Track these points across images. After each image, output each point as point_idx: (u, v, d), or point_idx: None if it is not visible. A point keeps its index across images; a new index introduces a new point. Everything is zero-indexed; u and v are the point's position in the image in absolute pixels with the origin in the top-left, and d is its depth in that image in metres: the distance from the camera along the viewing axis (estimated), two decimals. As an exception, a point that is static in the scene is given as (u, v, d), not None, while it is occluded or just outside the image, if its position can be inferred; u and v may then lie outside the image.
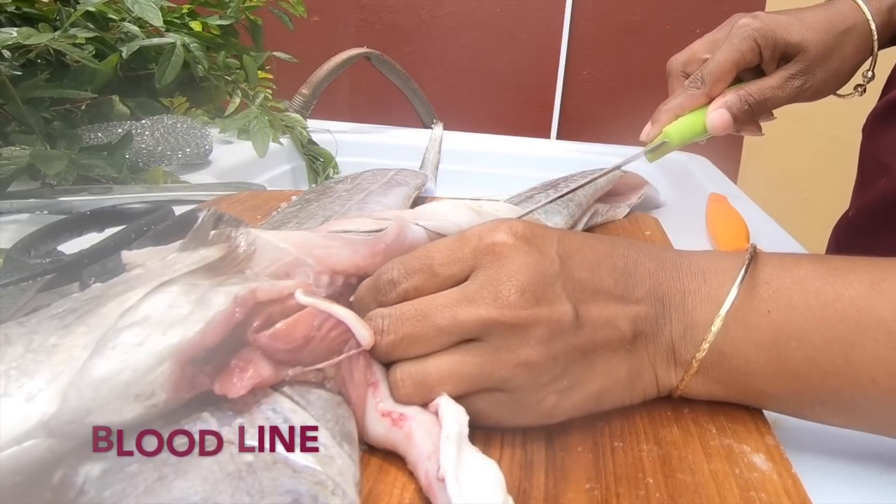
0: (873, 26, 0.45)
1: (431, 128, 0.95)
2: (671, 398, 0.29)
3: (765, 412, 0.29)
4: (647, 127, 0.47)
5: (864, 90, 0.49)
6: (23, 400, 0.18)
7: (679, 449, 0.26)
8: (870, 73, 0.48)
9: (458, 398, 0.25)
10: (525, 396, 0.25)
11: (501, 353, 0.25)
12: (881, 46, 0.46)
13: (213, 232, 0.27)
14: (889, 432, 0.27)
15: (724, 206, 0.59)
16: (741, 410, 0.29)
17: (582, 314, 0.26)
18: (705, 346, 0.27)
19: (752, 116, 0.46)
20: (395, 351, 0.26)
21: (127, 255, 0.26)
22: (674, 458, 0.25)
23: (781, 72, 0.45)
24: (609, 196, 0.59)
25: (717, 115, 0.45)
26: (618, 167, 0.47)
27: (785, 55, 0.45)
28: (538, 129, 1.74)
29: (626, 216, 0.57)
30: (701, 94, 0.46)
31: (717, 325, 0.27)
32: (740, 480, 0.24)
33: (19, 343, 0.20)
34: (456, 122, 0.98)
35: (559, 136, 1.74)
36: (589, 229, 0.53)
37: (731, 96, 0.45)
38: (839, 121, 1.55)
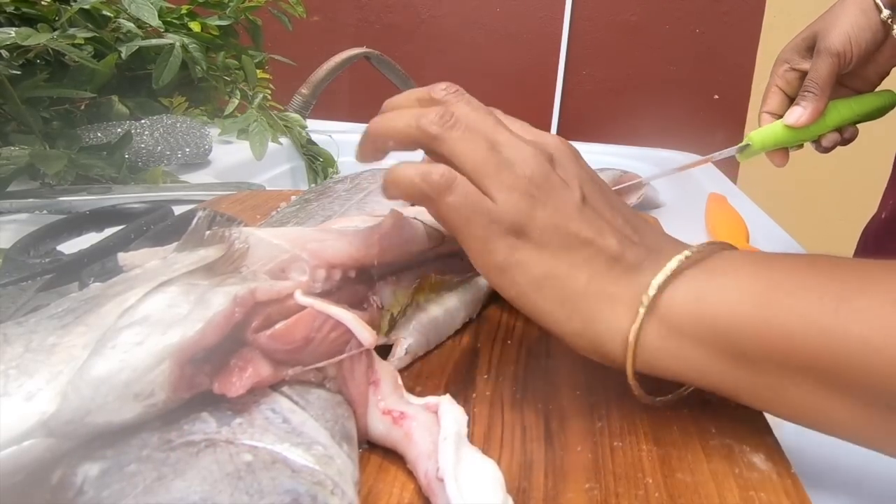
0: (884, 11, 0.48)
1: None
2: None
3: (766, 416, 0.29)
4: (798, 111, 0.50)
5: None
6: (22, 399, 0.18)
7: (678, 448, 0.26)
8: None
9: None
10: (487, 232, 0.26)
11: (507, 170, 0.26)
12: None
13: (207, 232, 0.27)
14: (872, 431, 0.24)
15: (723, 206, 0.59)
16: (741, 410, 0.29)
17: (588, 209, 0.27)
18: (660, 278, 0.25)
19: (819, 100, 0.49)
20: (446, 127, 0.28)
21: (123, 257, 0.26)
22: (673, 457, 0.25)
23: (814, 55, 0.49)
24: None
25: (789, 112, 0.49)
26: (707, 160, 0.53)
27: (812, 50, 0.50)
28: (538, 128, 1.74)
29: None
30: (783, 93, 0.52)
31: (674, 262, 0.26)
32: (740, 480, 0.24)
33: (18, 342, 0.20)
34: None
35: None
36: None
37: (799, 95, 0.49)
38: (839, 121, 1.54)
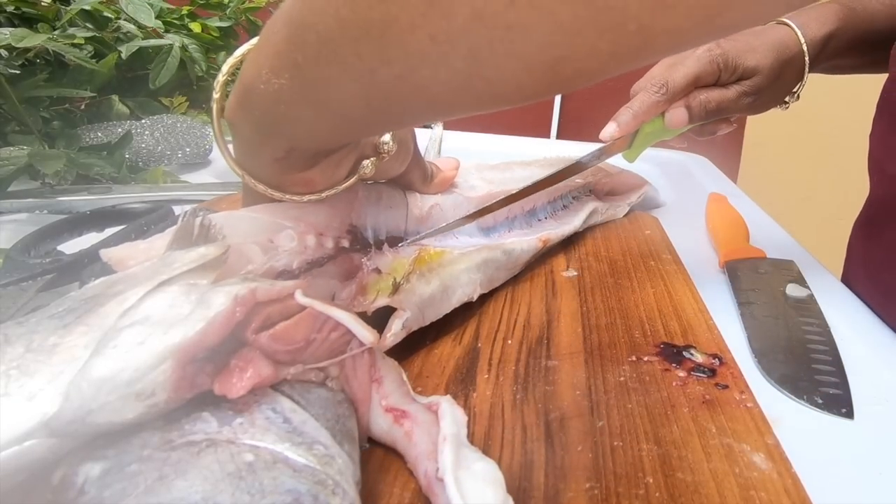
0: (807, 59, 0.53)
1: (431, 127, 0.94)
2: (669, 395, 0.29)
3: (766, 416, 0.29)
4: (612, 127, 0.50)
5: (788, 106, 0.58)
6: (23, 399, 0.18)
7: (679, 448, 0.26)
8: (796, 95, 0.57)
9: None
10: None
11: None
12: (810, 71, 0.54)
13: (177, 225, 0.27)
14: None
15: (723, 205, 0.59)
16: (741, 410, 0.29)
17: None
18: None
19: (703, 119, 0.52)
20: None
21: (105, 253, 0.26)
22: (673, 457, 0.26)
23: (737, 87, 0.51)
24: (609, 195, 0.59)
25: (676, 113, 0.50)
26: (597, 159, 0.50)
27: (741, 77, 0.52)
28: (538, 128, 1.74)
29: (625, 215, 0.57)
30: (665, 101, 0.51)
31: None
32: (740, 480, 0.24)
33: (19, 343, 0.20)
34: (456, 122, 0.98)
35: (559, 136, 1.74)
36: (588, 229, 0.53)
37: (694, 100, 0.51)
38: (839, 121, 1.55)
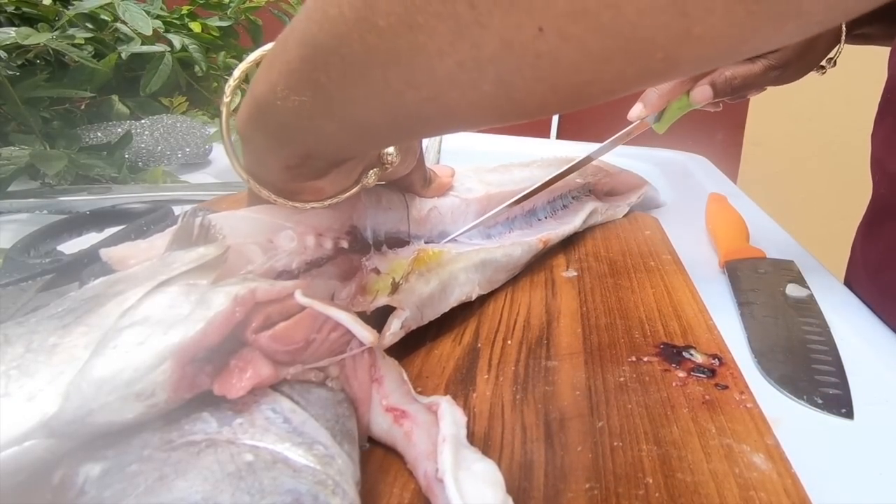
0: (843, 25, 0.51)
1: (431, 128, 0.94)
2: (669, 395, 0.29)
3: (766, 416, 0.29)
4: (639, 107, 0.51)
5: (825, 71, 0.55)
6: (23, 400, 0.18)
7: (678, 448, 0.26)
8: (833, 62, 0.54)
9: None
10: None
11: None
12: (846, 41, 0.52)
13: (177, 225, 0.27)
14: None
15: (723, 205, 0.59)
16: (741, 410, 0.29)
17: None
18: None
19: (729, 94, 0.51)
20: None
21: (106, 252, 0.26)
22: (673, 457, 0.26)
23: (764, 61, 0.51)
24: (609, 196, 0.59)
25: (701, 91, 0.50)
26: (623, 138, 0.51)
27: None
28: (538, 128, 1.74)
29: (625, 215, 0.57)
30: (690, 79, 0.51)
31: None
32: (740, 480, 0.24)
33: (19, 343, 0.20)
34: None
35: (559, 136, 1.74)
36: (588, 229, 0.53)
37: (719, 77, 0.50)
38: (839, 121, 1.55)
